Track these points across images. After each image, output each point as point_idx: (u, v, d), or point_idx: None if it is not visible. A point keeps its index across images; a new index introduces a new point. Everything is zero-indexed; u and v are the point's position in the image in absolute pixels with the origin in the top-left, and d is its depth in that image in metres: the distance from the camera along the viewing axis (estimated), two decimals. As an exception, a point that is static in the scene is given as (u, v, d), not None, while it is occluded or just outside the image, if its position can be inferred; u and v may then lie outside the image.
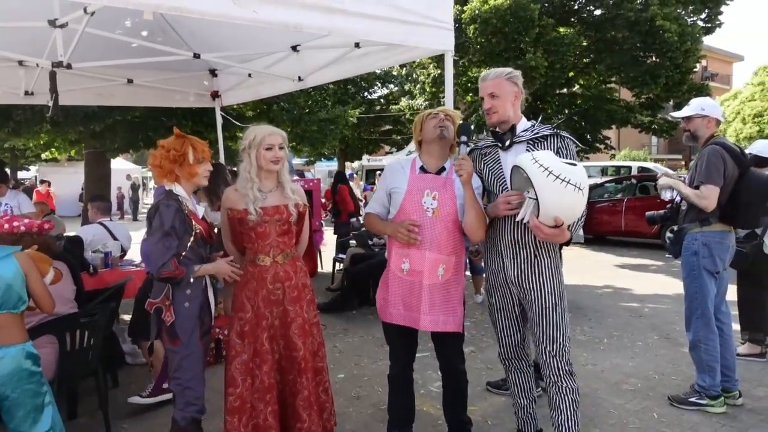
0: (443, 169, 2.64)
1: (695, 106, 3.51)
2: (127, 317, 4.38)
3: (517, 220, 2.42)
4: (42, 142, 10.09)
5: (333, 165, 25.25)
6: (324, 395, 2.87)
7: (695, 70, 12.79)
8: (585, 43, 12.79)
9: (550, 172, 2.20)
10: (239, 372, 2.65)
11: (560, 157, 2.37)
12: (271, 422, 2.62)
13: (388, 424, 2.92)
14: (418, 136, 2.70)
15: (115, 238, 4.80)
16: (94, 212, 4.88)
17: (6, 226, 2.96)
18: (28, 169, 25.63)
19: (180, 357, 2.54)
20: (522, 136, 2.54)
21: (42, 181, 18.24)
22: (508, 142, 2.55)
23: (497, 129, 2.61)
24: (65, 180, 21.21)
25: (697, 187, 3.36)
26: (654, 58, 12.33)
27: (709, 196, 3.29)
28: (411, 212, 2.59)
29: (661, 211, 3.94)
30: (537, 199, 2.23)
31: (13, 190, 5.13)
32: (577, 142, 2.51)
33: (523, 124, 2.58)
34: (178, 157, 2.49)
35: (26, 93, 4.30)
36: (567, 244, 2.43)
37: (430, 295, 2.55)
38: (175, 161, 2.50)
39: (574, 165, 2.29)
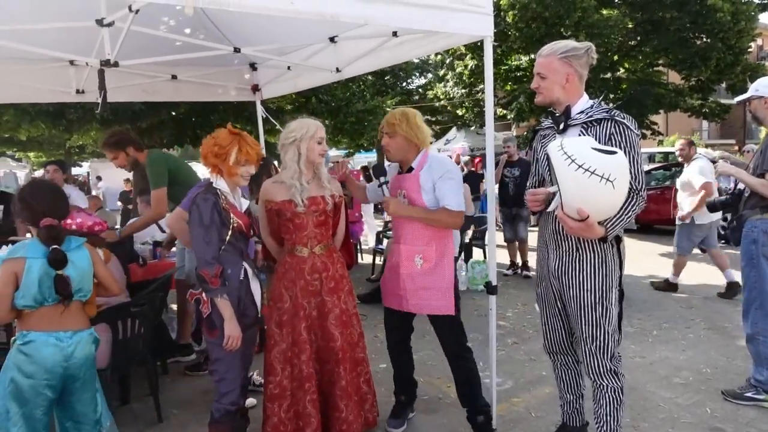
0: (411, 168, 2.90)
1: (751, 88, 3.42)
2: (175, 306, 4.51)
3: (548, 211, 2.38)
4: (92, 140, 10.49)
5: (372, 156, 25.28)
6: (365, 386, 2.90)
7: (750, 50, 12.16)
8: (630, 25, 12.33)
9: (573, 161, 2.08)
10: (278, 361, 2.72)
11: (611, 143, 2.22)
12: (310, 410, 2.66)
13: (394, 388, 3.26)
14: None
15: (162, 230, 4.94)
16: (143, 206, 5.03)
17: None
18: (80, 165, 26.78)
19: (218, 348, 2.57)
20: (577, 119, 2.36)
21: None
22: (562, 125, 2.40)
23: (555, 110, 2.49)
24: (114, 175, 21.99)
25: (762, 175, 3.21)
26: (705, 39, 11.79)
27: None
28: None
29: (722, 197, 3.80)
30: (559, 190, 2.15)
31: (68, 184, 5.35)
32: (635, 128, 2.28)
33: (580, 105, 2.39)
34: (220, 153, 2.50)
35: (77, 91, 4.46)
36: (605, 240, 2.28)
37: (409, 282, 2.86)
38: (218, 156, 2.51)
39: (613, 153, 2.11)
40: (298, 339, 2.69)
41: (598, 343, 2.39)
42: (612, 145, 2.23)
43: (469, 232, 7.17)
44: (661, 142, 21.08)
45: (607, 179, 2.05)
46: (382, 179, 2.86)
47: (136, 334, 3.21)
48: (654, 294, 6.21)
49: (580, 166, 2.06)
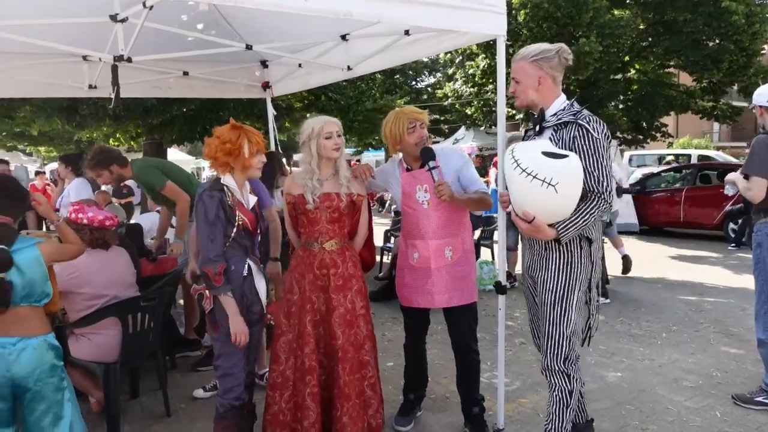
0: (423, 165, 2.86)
1: (755, 95, 3.46)
2: (182, 302, 4.53)
3: (506, 211, 2.47)
4: (104, 135, 10.56)
5: (380, 155, 25.29)
6: (370, 390, 2.83)
7: (763, 52, 12.06)
8: (642, 26, 12.25)
9: (518, 165, 2.17)
10: (283, 350, 2.75)
11: (574, 146, 2.26)
12: (309, 403, 2.66)
13: (403, 386, 3.25)
14: (396, 145, 2.90)
15: (172, 226, 4.96)
16: (152, 204, 5.06)
17: (73, 215, 3.12)
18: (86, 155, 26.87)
19: (221, 344, 2.57)
20: (549, 122, 2.40)
21: (38, 173, 14.43)
22: (537, 128, 2.46)
23: (533, 113, 2.53)
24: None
25: (746, 177, 3.25)
26: (717, 41, 11.68)
27: (753, 188, 3.18)
28: (411, 210, 2.92)
29: (738, 206, 3.84)
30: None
31: (78, 178, 5.39)
32: (600, 130, 2.27)
33: (554, 106, 2.41)
34: (233, 150, 2.49)
35: (90, 87, 4.49)
36: (558, 242, 2.30)
37: (440, 276, 2.87)
38: (230, 154, 2.50)
39: (563, 157, 2.16)
40: (303, 332, 2.71)
41: (551, 342, 2.40)
42: (576, 148, 2.27)
43: (477, 232, 7.15)
44: (671, 144, 20.93)
45: (549, 183, 2.12)
46: (431, 164, 2.78)
47: (146, 328, 3.23)
48: (662, 296, 6.17)
49: (523, 170, 2.16)
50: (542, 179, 2.12)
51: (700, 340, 4.64)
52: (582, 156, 2.24)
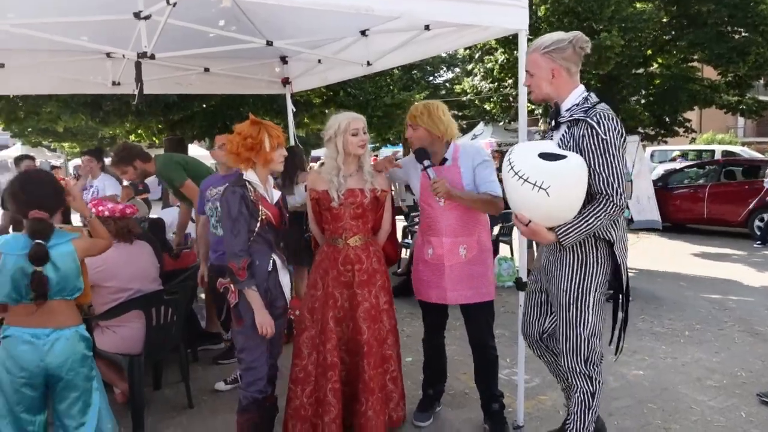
0: (445, 159, 2.87)
1: None
2: (204, 296, 4.59)
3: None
4: (126, 131, 10.72)
5: (398, 150, 25.25)
6: (392, 384, 2.88)
7: (792, 44, 11.72)
8: (665, 19, 12.01)
9: (512, 167, 2.14)
10: (306, 346, 2.78)
11: (582, 144, 2.18)
12: (330, 399, 2.68)
13: (423, 382, 3.26)
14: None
15: (193, 221, 5.02)
16: (173, 198, 5.12)
17: (94, 210, 3.18)
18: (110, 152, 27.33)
19: (244, 338, 2.59)
20: (564, 117, 2.32)
21: (53, 167, 14.62)
22: (553, 122, 2.38)
23: (551, 106, 2.45)
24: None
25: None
26: (743, 34, 11.41)
27: None
28: (427, 207, 2.92)
29: None
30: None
31: (104, 173, 5.48)
32: (610, 129, 2.15)
33: (569, 100, 2.32)
34: (254, 145, 2.50)
35: (113, 83, 4.55)
36: (560, 244, 2.24)
37: (453, 273, 2.86)
38: (252, 149, 2.51)
39: (562, 158, 2.10)
40: (325, 328, 2.73)
41: (570, 344, 2.36)
42: (584, 147, 2.18)
43: (496, 229, 7.11)
44: (694, 140, 20.54)
45: (540, 187, 2.07)
46: (426, 162, 2.78)
47: (169, 321, 3.28)
48: (685, 294, 6.07)
49: (516, 173, 2.13)
50: (533, 183, 2.07)
51: (724, 339, 4.57)
52: (590, 156, 2.16)
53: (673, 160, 14.91)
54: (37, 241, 2.15)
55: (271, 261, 2.64)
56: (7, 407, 2.17)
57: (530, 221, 2.18)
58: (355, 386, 2.77)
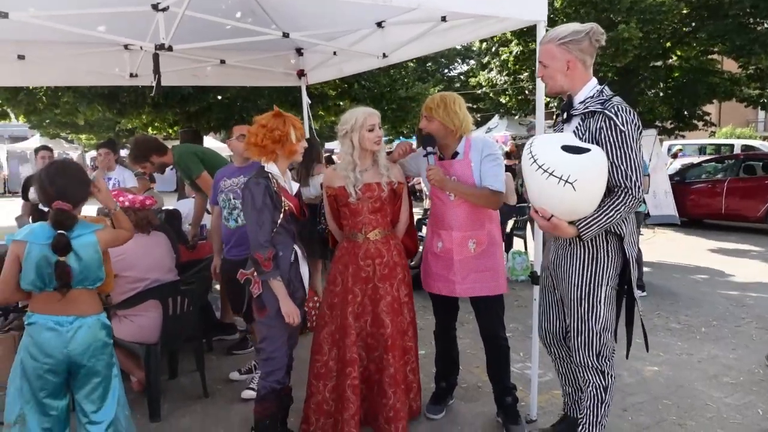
0: (457, 153, 2.85)
1: None
2: (218, 287, 4.63)
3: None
4: (143, 123, 10.80)
5: (411, 143, 25.15)
6: (411, 375, 2.92)
7: (816, 36, 11.45)
8: (685, 11, 11.79)
9: (535, 161, 2.09)
10: (326, 341, 2.79)
11: (599, 136, 2.15)
12: (349, 395, 2.69)
13: (435, 374, 3.25)
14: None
15: (209, 212, 5.05)
16: (189, 190, 5.15)
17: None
18: (129, 148, 27.58)
19: (267, 328, 2.61)
20: (577, 109, 2.29)
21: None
22: (565, 115, 2.34)
23: (564, 98, 2.41)
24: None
25: None
26: (765, 25, 11.17)
27: None
28: (437, 200, 2.91)
29: None
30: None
31: (120, 165, 5.54)
32: (629, 121, 2.13)
33: (583, 93, 2.29)
34: (281, 137, 2.51)
35: (131, 75, 4.59)
36: (580, 239, 2.21)
37: (462, 267, 2.85)
38: (278, 141, 2.51)
39: (585, 152, 2.06)
40: (344, 323, 2.74)
41: (582, 338, 2.35)
42: (602, 139, 2.16)
43: (510, 222, 7.08)
44: (713, 134, 20.21)
45: (566, 181, 2.03)
46: (429, 149, 2.77)
47: (185, 311, 3.32)
48: (702, 290, 6.00)
49: (540, 167, 2.08)
50: (559, 176, 2.04)
51: (741, 336, 4.51)
52: (608, 148, 2.15)
53: (674, 156, 14.64)
54: (60, 231, 2.19)
55: (293, 252, 2.65)
56: (31, 392, 2.22)
57: (552, 215, 2.15)
58: (380, 381, 2.77)
